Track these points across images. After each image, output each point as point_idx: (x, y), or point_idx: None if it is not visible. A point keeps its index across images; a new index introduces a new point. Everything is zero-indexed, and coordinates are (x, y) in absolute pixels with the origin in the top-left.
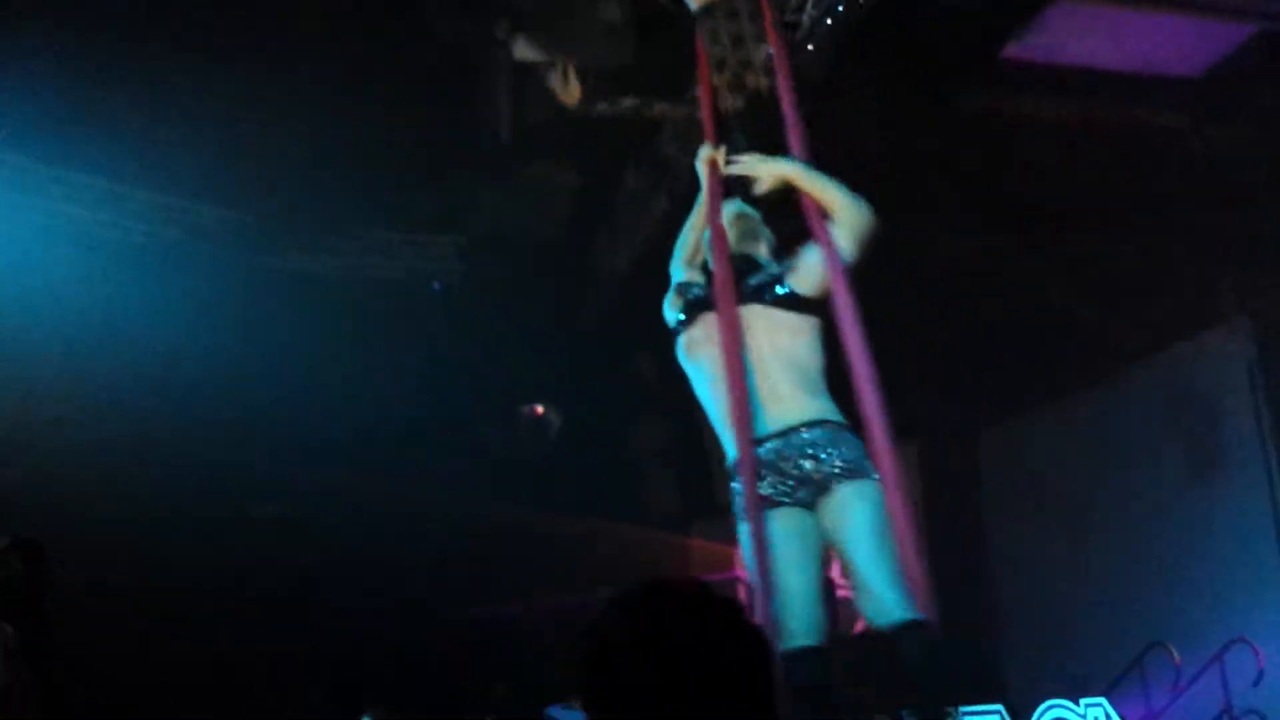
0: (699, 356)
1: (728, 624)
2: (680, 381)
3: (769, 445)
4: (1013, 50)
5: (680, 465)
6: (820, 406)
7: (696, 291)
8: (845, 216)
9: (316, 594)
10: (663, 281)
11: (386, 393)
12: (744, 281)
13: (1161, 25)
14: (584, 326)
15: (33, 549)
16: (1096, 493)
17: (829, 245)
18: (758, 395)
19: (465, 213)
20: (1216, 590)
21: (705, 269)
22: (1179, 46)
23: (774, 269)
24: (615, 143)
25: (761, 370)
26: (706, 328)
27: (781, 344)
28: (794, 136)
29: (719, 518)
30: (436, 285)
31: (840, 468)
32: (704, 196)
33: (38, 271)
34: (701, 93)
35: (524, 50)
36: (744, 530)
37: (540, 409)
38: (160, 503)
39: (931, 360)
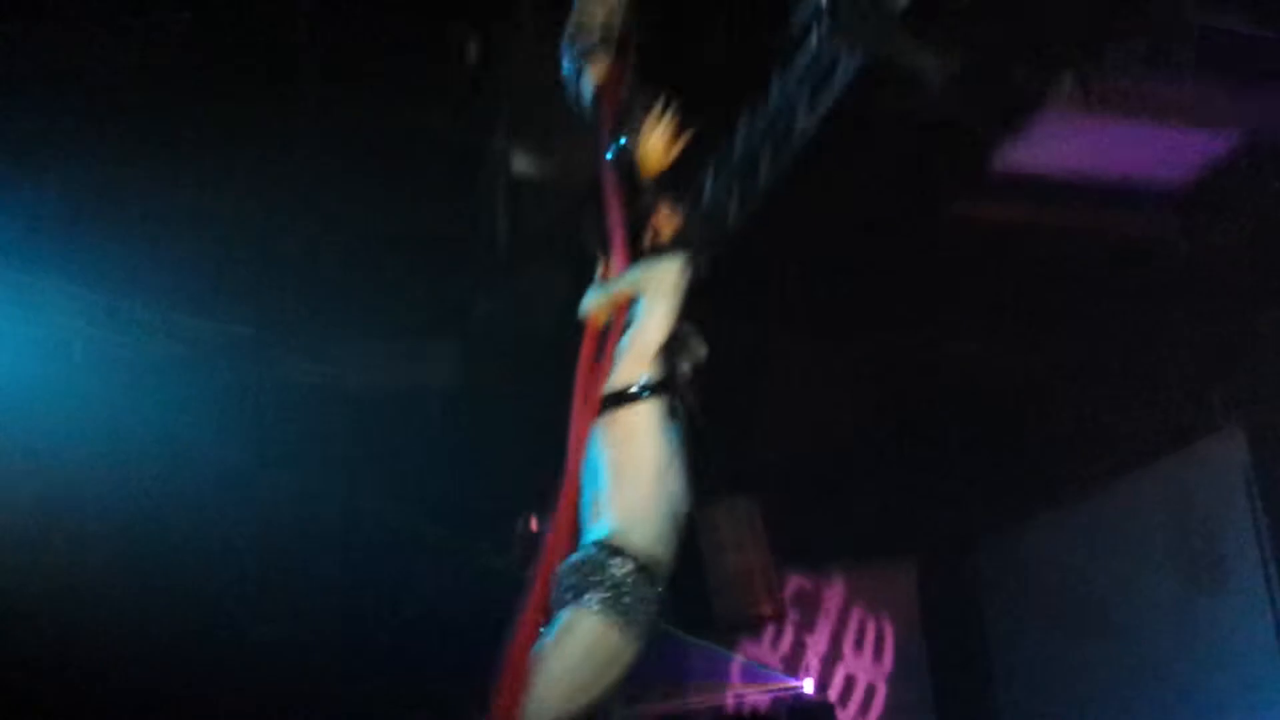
0: None
1: None
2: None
3: None
4: (1000, 160)
5: (676, 578)
6: None
7: None
8: None
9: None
10: None
11: (381, 504)
12: None
13: (1148, 134)
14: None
15: None
16: (1096, 600)
17: None
18: None
19: (462, 320)
20: (1219, 699)
21: None
22: (1166, 155)
23: None
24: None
25: None
26: None
27: None
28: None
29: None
30: (434, 394)
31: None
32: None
33: (34, 384)
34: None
35: (521, 163)
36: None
37: (535, 521)
38: (153, 623)
39: (927, 470)
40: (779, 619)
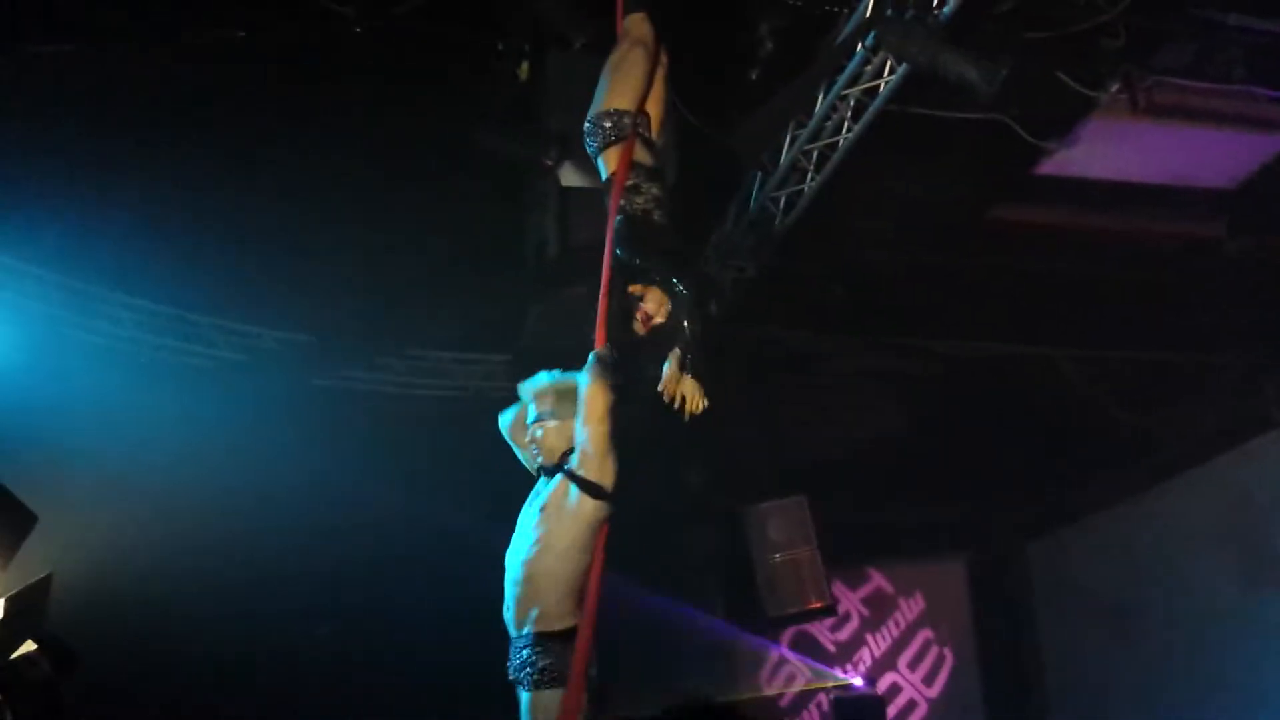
0: None
1: None
2: (723, 489)
3: None
4: (1046, 165)
5: (725, 576)
6: None
7: None
8: None
9: (371, 708)
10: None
11: (438, 509)
12: None
13: (1194, 138)
14: (630, 436)
15: (65, 655)
16: (1148, 602)
17: None
18: None
19: (514, 330)
20: (1272, 700)
21: None
22: (1212, 159)
23: None
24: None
25: None
26: None
27: None
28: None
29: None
30: (486, 402)
31: None
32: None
33: (99, 394)
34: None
35: (571, 177)
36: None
37: None
38: (215, 624)
39: (978, 472)
40: (828, 613)
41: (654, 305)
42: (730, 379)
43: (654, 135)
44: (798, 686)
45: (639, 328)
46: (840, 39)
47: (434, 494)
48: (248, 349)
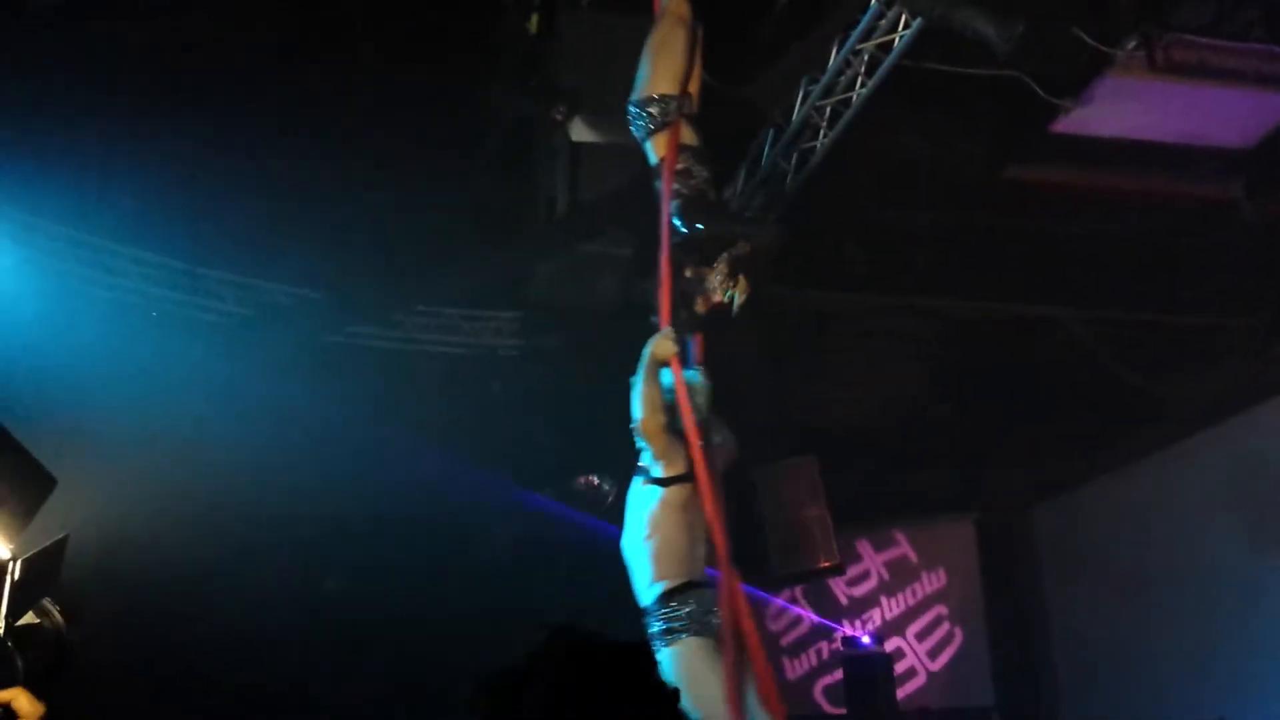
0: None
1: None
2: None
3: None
4: (1062, 124)
5: (736, 533)
6: None
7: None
8: None
9: (383, 664)
10: (713, 351)
11: (445, 465)
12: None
13: (1211, 97)
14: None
15: (73, 605)
16: (1156, 565)
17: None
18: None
19: (523, 287)
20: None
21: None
22: (1230, 118)
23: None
24: None
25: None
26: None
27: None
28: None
29: (772, 587)
30: (496, 385)
31: None
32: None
33: (112, 348)
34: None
35: (581, 132)
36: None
37: (595, 479)
38: (227, 579)
39: (987, 433)
40: (836, 572)
41: (715, 284)
42: (742, 339)
43: (695, 111)
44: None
45: (700, 307)
46: None
47: (443, 450)
48: (258, 304)
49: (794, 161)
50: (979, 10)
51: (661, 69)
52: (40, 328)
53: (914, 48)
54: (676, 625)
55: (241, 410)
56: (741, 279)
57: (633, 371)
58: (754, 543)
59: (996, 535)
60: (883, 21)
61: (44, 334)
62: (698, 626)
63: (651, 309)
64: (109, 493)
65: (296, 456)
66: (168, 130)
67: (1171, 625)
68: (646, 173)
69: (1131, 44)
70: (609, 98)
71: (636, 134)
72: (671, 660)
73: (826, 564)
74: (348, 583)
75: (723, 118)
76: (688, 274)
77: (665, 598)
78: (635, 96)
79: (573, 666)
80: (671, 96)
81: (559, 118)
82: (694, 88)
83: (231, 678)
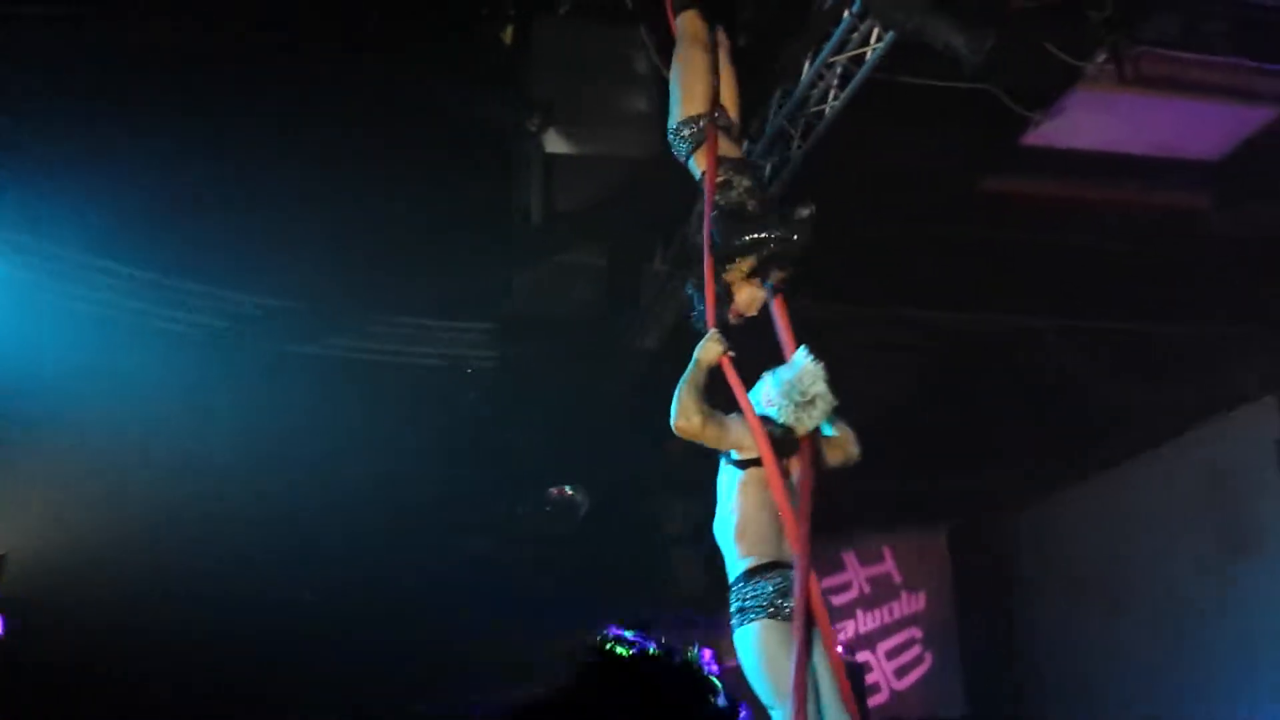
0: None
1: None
2: (709, 461)
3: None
4: (1033, 136)
5: (711, 542)
6: None
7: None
8: None
9: (352, 676)
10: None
11: (420, 476)
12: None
13: (1180, 109)
14: (613, 406)
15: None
16: (1127, 572)
17: None
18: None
19: (497, 297)
20: (1253, 670)
21: None
22: (1198, 130)
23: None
24: (643, 227)
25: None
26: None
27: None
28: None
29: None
30: (470, 369)
31: None
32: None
33: (81, 359)
34: (707, 274)
35: (555, 143)
36: (757, 634)
37: (569, 490)
38: (196, 592)
39: (960, 443)
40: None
41: (745, 301)
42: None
43: (734, 119)
44: None
45: (731, 318)
46: (827, 4)
47: (416, 461)
48: (229, 315)
49: (768, 173)
50: (950, 23)
51: (688, 92)
52: (7, 339)
53: (886, 61)
54: (750, 605)
55: (211, 422)
56: (776, 272)
57: (612, 381)
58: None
59: (971, 544)
60: (855, 35)
61: (11, 345)
62: (772, 609)
63: (693, 312)
64: (78, 502)
65: (267, 468)
66: (137, 141)
67: (1142, 632)
68: (621, 182)
69: (1101, 57)
70: (584, 108)
71: (679, 156)
72: (744, 639)
73: None
74: (321, 595)
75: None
76: (725, 278)
77: (746, 576)
78: (670, 124)
79: (617, 691)
80: (702, 115)
81: (533, 128)
82: (728, 98)
83: (195, 686)
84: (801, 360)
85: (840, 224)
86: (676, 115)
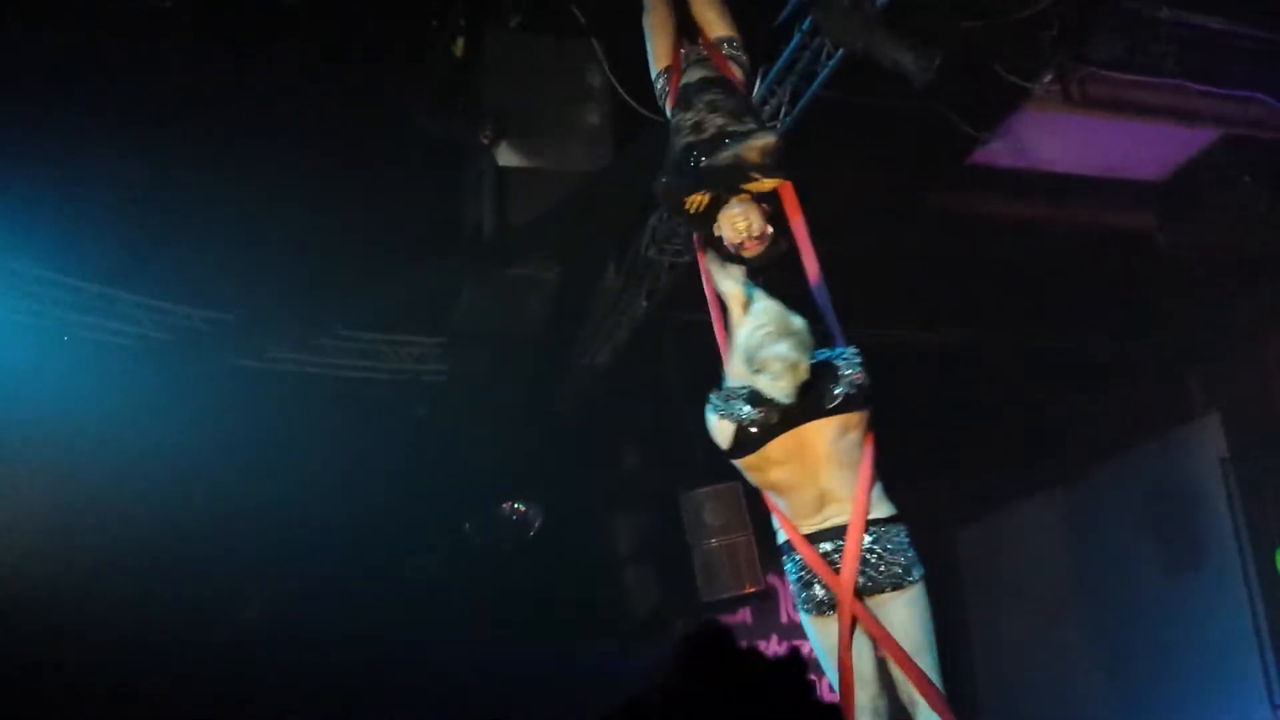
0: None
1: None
2: (661, 474)
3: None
4: (981, 155)
5: (661, 560)
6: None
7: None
8: None
9: (302, 694)
10: (641, 376)
11: (368, 491)
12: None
13: (1125, 130)
14: (564, 422)
15: None
16: (1074, 589)
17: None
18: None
19: (446, 312)
20: (1198, 685)
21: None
22: (1143, 150)
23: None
24: (595, 241)
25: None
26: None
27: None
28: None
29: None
30: (419, 384)
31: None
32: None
33: (23, 372)
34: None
35: (507, 156)
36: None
37: (521, 506)
38: (142, 606)
39: (905, 458)
40: (762, 598)
41: (728, 229)
42: (667, 364)
43: (710, 40)
44: None
45: (748, 252)
46: (777, 22)
47: (364, 477)
48: (173, 328)
49: None
50: (899, 42)
51: (656, 49)
52: None
53: (836, 79)
54: (792, 591)
55: (155, 436)
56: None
57: (563, 396)
58: (678, 570)
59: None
60: (806, 52)
61: None
62: (806, 604)
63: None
64: (17, 514)
65: (212, 482)
66: (82, 152)
67: (1090, 647)
68: (573, 196)
69: (1047, 78)
70: (536, 121)
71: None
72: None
73: (751, 589)
74: (265, 611)
75: (649, 141)
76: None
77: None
78: (652, 74)
79: (717, 689)
80: (667, 68)
81: (485, 141)
82: (707, 23)
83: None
84: (756, 310)
85: (785, 240)
86: (652, 68)
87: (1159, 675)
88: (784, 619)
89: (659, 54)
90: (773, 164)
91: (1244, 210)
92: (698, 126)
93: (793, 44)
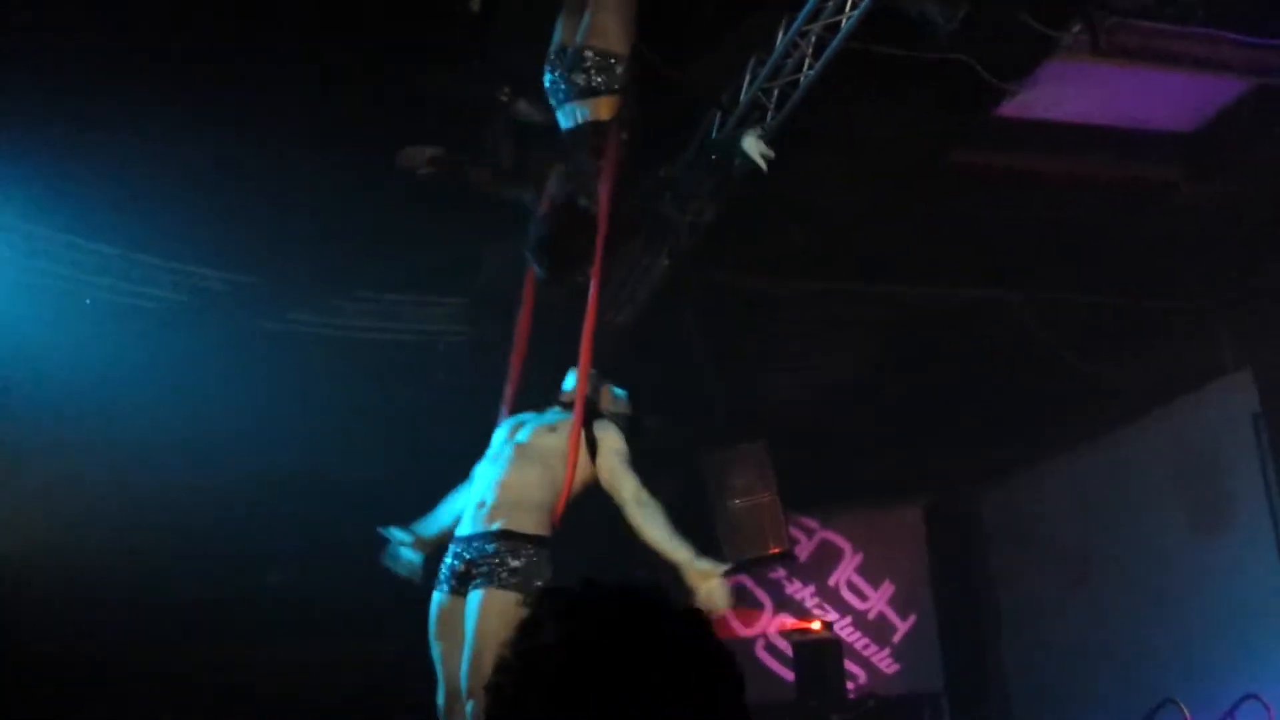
0: None
1: (693, 641)
2: (681, 434)
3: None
4: (1006, 107)
5: (682, 521)
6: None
7: None
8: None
9: (331, 656)
10: (662, 336)
11: (388, 451)
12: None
13: (1154, 81)
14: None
15: None
16: (1102, 548)
17: None
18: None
19: (468, 272)
20: (1226, 645)
21: None
22: (1171, 102)
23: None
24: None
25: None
26: None
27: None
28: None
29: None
30: (441, 346)
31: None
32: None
33: (47, 335)
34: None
35: (526, 112)
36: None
37: None
38: (159, 573)
39: (933, 419)
40: (788, 560)
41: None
42: (688, 324)
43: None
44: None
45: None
46: None
47: (385, 439)
48: (192, 290)
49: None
50: None
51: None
52: None
53: (861, 29)
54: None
55: (177, 398)
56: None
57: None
58: (702, 531)
59: (944, 521)
60: (830, 3)
61: None
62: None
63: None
64: (39, 479)
65: (233, 445)
66: (100, 115)
67: (1117, 607)
68: None
69: (1076, 27)
70: None
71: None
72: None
73: (776, 550)
74: (287, 577)
75: (668, 99)
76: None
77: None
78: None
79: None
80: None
81: (504, 99)
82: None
83: (161, 667)
84: None
85: (812, 196)
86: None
87: (1186, 635)
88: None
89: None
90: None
91: (1276, 162)
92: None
93: None
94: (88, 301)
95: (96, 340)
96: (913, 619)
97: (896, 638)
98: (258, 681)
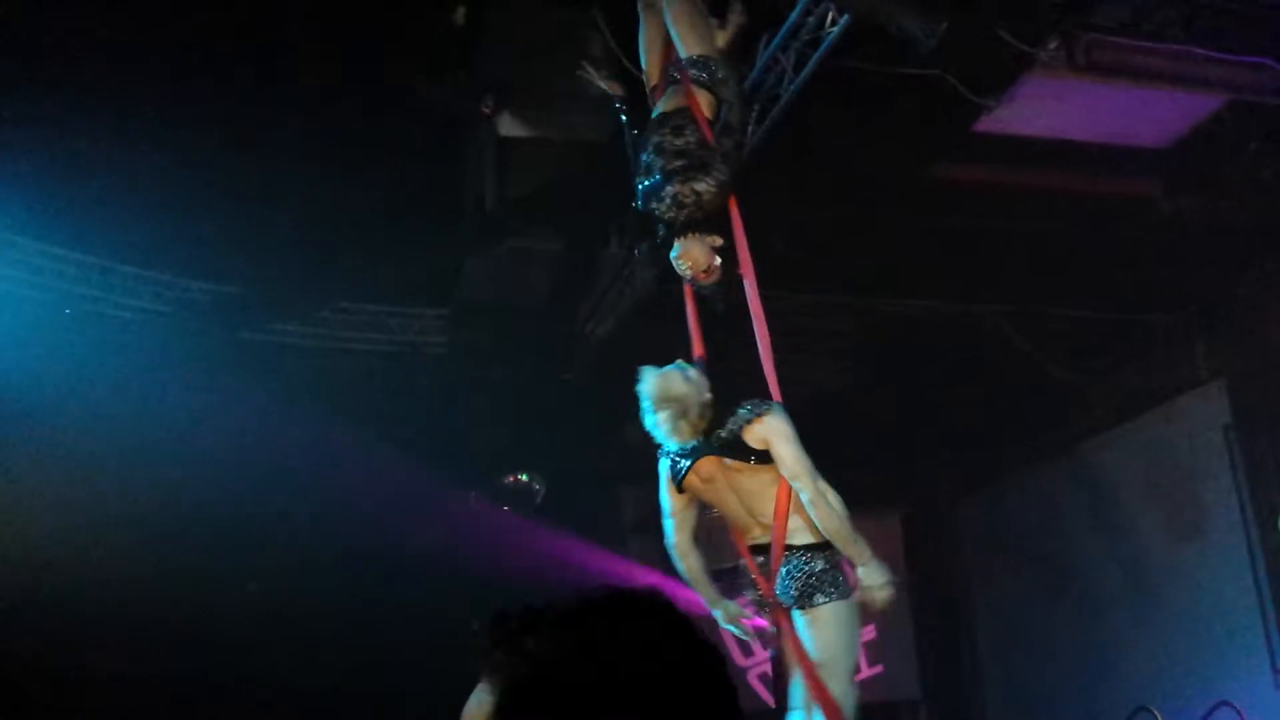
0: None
1: (685, 646)
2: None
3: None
4: (985, 122)
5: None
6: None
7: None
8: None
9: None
10: (645, 346)
11: (370, 464)
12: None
13: (1130, 97)
14: (567, 393)
15: None
16: (1077, 557)
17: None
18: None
19: (450, 283)
20: (1200, 653)
21: None
22: (1148, 117)
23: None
24: (598, 211)
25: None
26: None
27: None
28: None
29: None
30: (423, 384)
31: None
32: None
33: (28, 346)
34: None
35: (509, 126)
36: None
37: (524, 477)
38: (140, 583)
39: (911, 428)
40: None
41: (687, 263)
42: (671, 333)
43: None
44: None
45: (699, 283)
46: None
47: (367, 449)
48: (174, 301)
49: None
50: (904, 7)
51: (649, 64)
52: None
53: (841, 45)
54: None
55: (157, 407)
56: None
57: (566, 367)
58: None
59: (922, 529)
60: (810, 19)
61: None
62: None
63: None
64: (20, 489)
65: (215, 456)
66: (83, 126)
67: (1093, 615)
68: (575, 166)
69: (1053, 44)
70: (538, 91)
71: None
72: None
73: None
74: (268, 585)
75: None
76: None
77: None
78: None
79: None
80: (654, 87)
81: (487, 111)
82: (689, 42)
83: (144, 673)
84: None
85: (793, 209)
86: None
87: (1161, 642)
88: None
89: (649, 72)
90: (708, 205)
91: (1251, 178)
92: (647, 168)
93: (797, 9)
94: (67, 311)
95: (77, 350)
96: (890, 627)
97: (874, 645)
98: (245, 685)
